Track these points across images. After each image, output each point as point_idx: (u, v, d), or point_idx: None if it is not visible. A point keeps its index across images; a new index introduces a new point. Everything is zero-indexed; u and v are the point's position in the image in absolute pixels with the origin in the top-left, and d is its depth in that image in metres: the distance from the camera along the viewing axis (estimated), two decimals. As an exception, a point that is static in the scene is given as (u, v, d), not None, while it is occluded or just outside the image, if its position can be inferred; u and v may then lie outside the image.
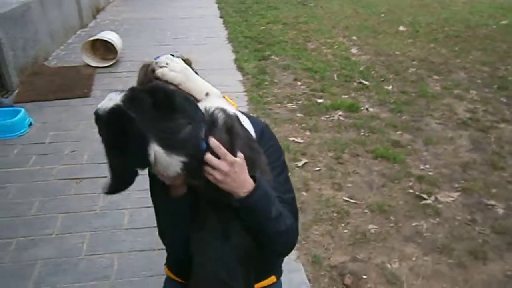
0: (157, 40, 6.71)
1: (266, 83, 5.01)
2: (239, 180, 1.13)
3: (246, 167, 1.16)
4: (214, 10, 9.07)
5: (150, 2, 10.05)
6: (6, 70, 4.58)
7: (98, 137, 1.07)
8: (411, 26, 7.72)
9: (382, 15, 8.60)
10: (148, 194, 1.40)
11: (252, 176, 1.18)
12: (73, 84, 4.84)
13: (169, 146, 1.02)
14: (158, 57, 1.34)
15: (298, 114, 4.23)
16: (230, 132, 1.13)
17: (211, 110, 1.14)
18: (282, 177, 1.41)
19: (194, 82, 1.34)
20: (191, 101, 1.11)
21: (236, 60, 5.76)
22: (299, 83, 5.04)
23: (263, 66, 5.54)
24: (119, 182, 1.10)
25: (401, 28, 7.55)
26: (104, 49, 5.56)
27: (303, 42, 6.68)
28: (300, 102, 4.52)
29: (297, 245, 2.46)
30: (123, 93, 1.05)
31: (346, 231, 2.66)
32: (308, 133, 3.88)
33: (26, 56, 5.05)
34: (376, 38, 6.97)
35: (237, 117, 1.24)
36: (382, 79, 5.18)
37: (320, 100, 4.55)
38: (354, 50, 6.31)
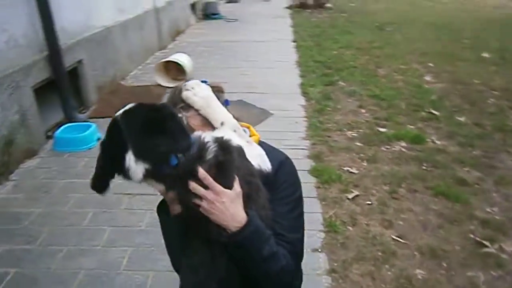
0: (227, 63, 6.92)
1: (329, 109, 4.91)
2: (229, 213, 1.10)
3: (239, 201, 1.12)
4: (288, 34, 9.18)
5: (230, 25, 10.48)
6: (85, 88, 4.99)
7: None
8: (497, 52, 7.16)
9: (466, 41, 8.10)
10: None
11: (246, 212, 1.14)
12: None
13: (140, 155, 1.07)
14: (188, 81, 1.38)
15: (357, 143, 4.07)
16: (219, 166, 1.11)
17: (206, 141, 1.13)
18: (293, 214, 1.34)
19: (213, 110, 1.35)
20: (183, 129, 1.13)
21: (301, 84, 5.74)
22: (363, 111, 4.87)
23: (329, 91, 5.44)
24: (97, 182, 1.19)
25: (485, 54, 7.04)
26: (175, 70, 5.84)
27: (374, 68, 6.48)
28: (361, 130, 4.35)
29: (333, 284, 2.35)
30: (128, 106, 1.13)
31: (389, 273, 2.46)
32: (364, 163, 3.70)
33: (105, 75, 5.46)
34: (455, 65, 6.55)
35: (240, 149, 1.21)
36: (455, 109, 4.83)
37: (382, 130, 4.34)
38: (428, 78, 5.98)
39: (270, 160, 1.34)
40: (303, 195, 1.39)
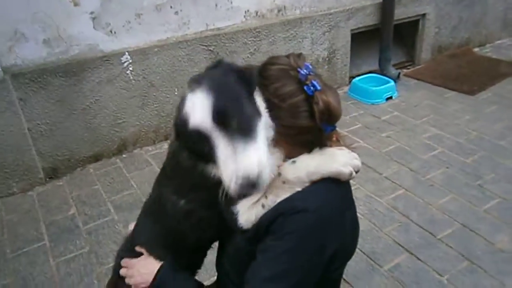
0: None
1: None
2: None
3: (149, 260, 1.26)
4: None
5: None
6: (420, 44, 4.69)
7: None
8: None
9: None
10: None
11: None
12: (473, 78, 4.36)
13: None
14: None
15: None
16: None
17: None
18: (269, 256, 1.02)
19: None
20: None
21: None
22: None
23: None
24: None
25: None
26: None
27: None
28: None
29: None
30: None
31: None
32: None
33: (453, 36, 4.90)
34: None
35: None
36: None
37: None
38: None
39: (299, 200, 1.02)
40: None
